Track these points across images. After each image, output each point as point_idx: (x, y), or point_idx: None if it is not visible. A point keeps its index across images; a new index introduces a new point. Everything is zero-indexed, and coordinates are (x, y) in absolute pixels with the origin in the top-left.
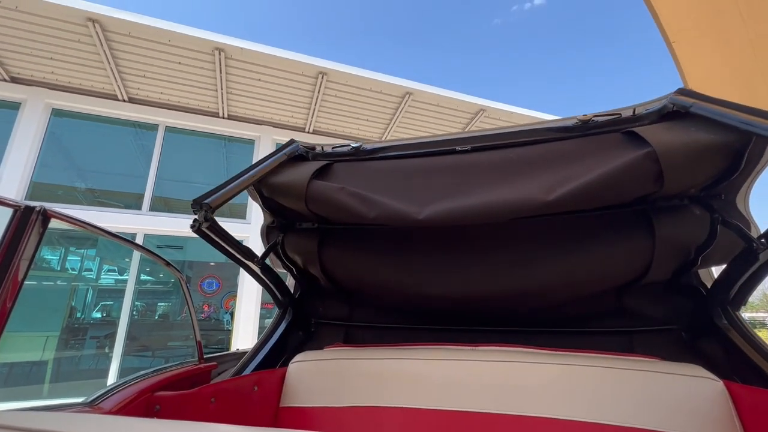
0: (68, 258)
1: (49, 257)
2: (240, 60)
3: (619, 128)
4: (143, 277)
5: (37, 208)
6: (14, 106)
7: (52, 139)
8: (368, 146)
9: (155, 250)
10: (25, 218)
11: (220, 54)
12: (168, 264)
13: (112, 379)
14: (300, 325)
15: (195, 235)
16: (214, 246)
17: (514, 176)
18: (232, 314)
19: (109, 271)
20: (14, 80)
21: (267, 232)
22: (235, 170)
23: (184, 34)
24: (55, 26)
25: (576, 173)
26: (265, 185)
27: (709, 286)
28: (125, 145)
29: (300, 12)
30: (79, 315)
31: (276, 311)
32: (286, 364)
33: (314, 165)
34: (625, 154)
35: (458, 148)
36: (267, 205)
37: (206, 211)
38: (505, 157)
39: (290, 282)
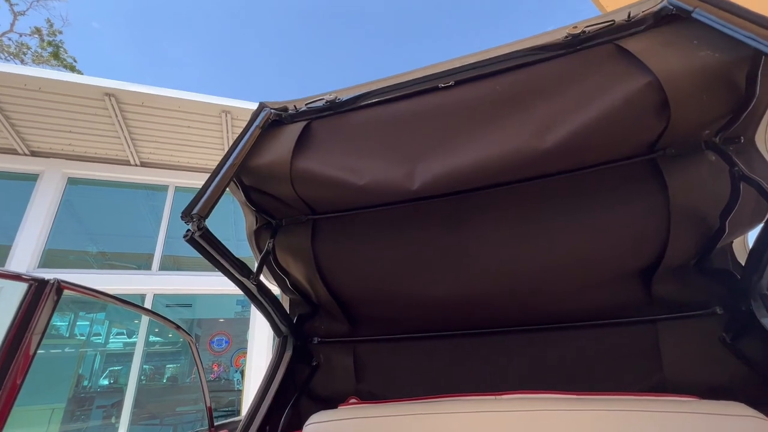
0: (77, 323)
1: (59, 323)
2: (244, 119)
3: (614, 38)
4: (152, 338)
5: (51, 281)
6: (32, 178)
7: (66, 207)
8: (344, 96)
9: (164, 311)
10: (39, 292)
11: (226, 116)
12: (178, 327)
13: None
14: (303, 351)
15: (203, 293)
16: (208, 258)
17: (503, 116)
18: (242, 372)
19: (117, 334)
20: (33, 154)
21: (256, 238)
22: (243, 221)
23: (193, 100)
24: (74, 102)
25: (570, 106)
26: (245, 173)
27: (743, 262)
28: (136, 207)
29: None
30: (86, 383)
31: (275, 342)
32: (297, 403)
33: (292, 132)
34: (625, 81)
35: (441, 84)
36: (250, 198)
37: (198, 221)
38: (491, 91)
39: (284, 300)
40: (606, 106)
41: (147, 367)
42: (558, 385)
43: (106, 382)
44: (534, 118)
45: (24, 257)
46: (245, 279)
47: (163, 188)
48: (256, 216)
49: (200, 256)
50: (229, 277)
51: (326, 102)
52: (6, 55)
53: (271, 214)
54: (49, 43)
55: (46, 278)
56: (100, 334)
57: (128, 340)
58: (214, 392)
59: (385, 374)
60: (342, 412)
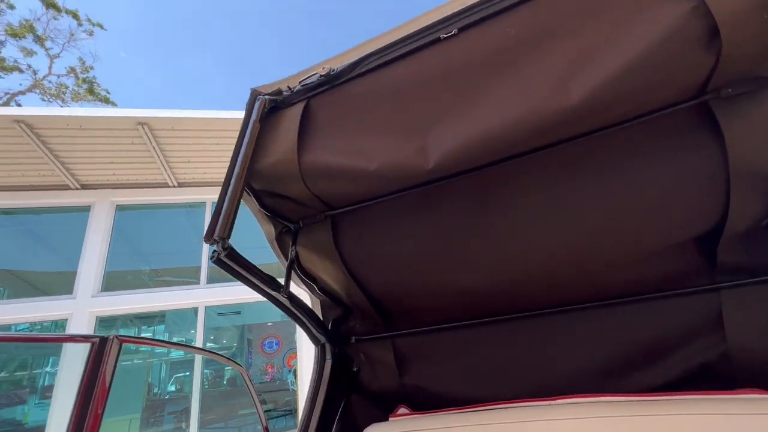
0: (143, 335)
1: (143, 334)
2: None
3: None
4: (208, 344)
5: (110, 338)
6: (86, 209)
7: (118, 231)
8: (338, 66)
9: (217, 320)
10: (102, 348)
11: None
12: (229, 360)
13: None
14: (342, 355)
15: (252, 300)
16: (237, 277)
17: (518, 67)
18: (295, 372)
19: (180, 341)
20: (84, 187)
21: (279, 247)
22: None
23: (217, 118)
24: (112, 134)
25: (598, 46)
26: (253, 177)
27: None
28: (179, 224)
29: None
30: (156, 391)
31: (315, 351)
32: (346, 409)
33: (292, 119)
34: (662, 8)
35: (442, 35)
36: (264, 204)
37: (221, 242)
38: (502, 35)
39: (315, 305)
40: (641, 43)
41: (207, 371)
42: (612, 366)
43: (173, 389)
44: (556, 65)
45: (88, 282)
46: (276, 293)
47: (201, 205)
48: (273, 222)
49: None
50: (259, 293)
51: (321, 76)
52: (48, 97)
53: (288, 218)
54: (84, 80)
55: (106, 336)
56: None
57: None
58: (270, 393)
59: (427, 366)
60: (394, 425)
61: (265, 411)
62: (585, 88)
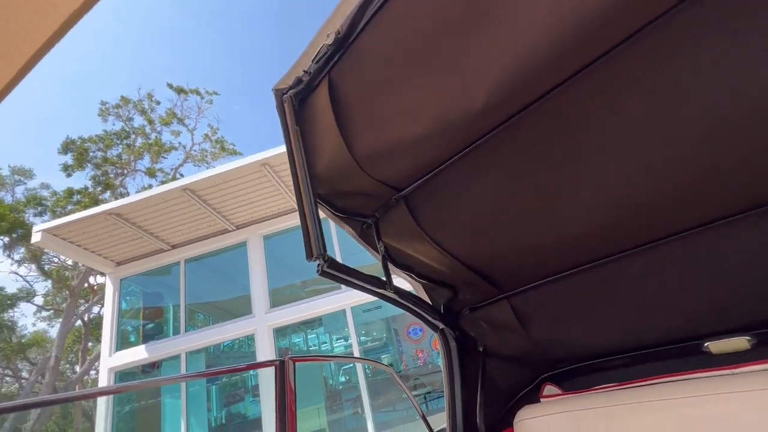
0: (308, 337)
1: (297, 340)
2: None
3: None
4: (362, 338)
5: (286, 360)
6: (243, 244)
7: (270, 257)
8: (344, 23)
9: (363, 316)
10: (282, 370)
11: None
12: (377, 362)
13: None
14: (464, 333)
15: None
16: (343, 283)
17: None
18: None
19: (338, 339)
20: (238, 227)
21: (368, 244)
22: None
23: None
24: (245, 179)
25: None
26: (316, 184)
27: None
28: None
29: None
30: (331, 383)
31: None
32: (485, 387)
33: (322, 107)
34: None
35: None
36: (337, 207)
37: (320, 257)
38: None
39: (419, 290)
40: None
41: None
42: (747, 288)
43: (343, 380)
44: None
45: (260, 301)
46: (382, 290)
47: (325, 220)
48: (351, 223)
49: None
50: (368, 293)
51: (329, 46)
52: (197, 162)
53: (363, 213)
54: (216, 141)
55: (282, 359)
56: (326, 342)
57: (346, 343)
58: (426, 375)
59: (552, 321)
60: (549, 406)
61: (426, 393)
62: None
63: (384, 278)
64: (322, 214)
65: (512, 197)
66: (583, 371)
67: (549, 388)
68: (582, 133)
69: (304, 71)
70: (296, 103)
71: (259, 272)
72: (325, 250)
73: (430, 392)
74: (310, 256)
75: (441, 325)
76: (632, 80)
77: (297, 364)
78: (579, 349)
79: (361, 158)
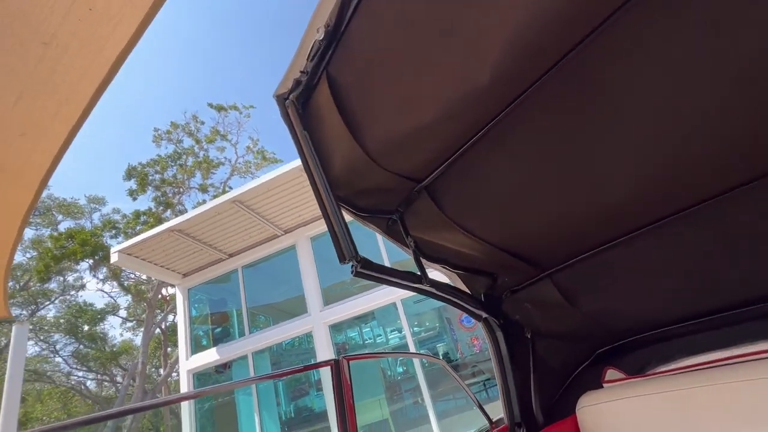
0: (363, 331)
1: (352, 335)
2: None
3: None
4: (415, 329)
5: (340, 360)
6: (293, 247)
7: (318, 257)
8: (331, 14)
9: (415, 307)
10: (337, 369)
11: None
12: (428, 356)
13: (434, 424)
14: (508, 319)
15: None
16: (379, 282)
17: None
18: None
19: (392, 331)
20: (286, 231)
21: (397, 241)
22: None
23: None
24: (288, 185)
25: None
26: (335, 187)
27: None
28: (359, 237)
29: None
30: (389, 374)
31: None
32: (538, 367)
33: (325, 106)
34: None
35: None
36: (360, 207)
37: (352, 259)
38: None
39: (456, 281)
40: None
41: (422, 351)
42: None
43: (401, 370)
44: None
45: (314, 300)
46: (419, 284)
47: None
48: (377, 222)
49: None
50: (405, 289)
51: (322, 40)
52: (242, 174)
53: (387, 210)
54: (257, 152)
55: (337, 359)
56: (380, 335)
57: (400, 334)
58: (483, 362)
59: (597, 294)
60: (613, 391)
61: (485, 380)
62: None
63: (419, 272)
64: (347, 216)
65: (537, 173)
66: (641, 344)
67: (611, 373)
68: (602, 99)
69: (300, 72)
70: (299, 106)
71: (310, 272)
72: (356, 252)
73: (489, 379)
74: (342, 259)
75: (484, 314)
76: (648, 44)
77: (351, 362)
78: (632, 321)
79: (375, 153)
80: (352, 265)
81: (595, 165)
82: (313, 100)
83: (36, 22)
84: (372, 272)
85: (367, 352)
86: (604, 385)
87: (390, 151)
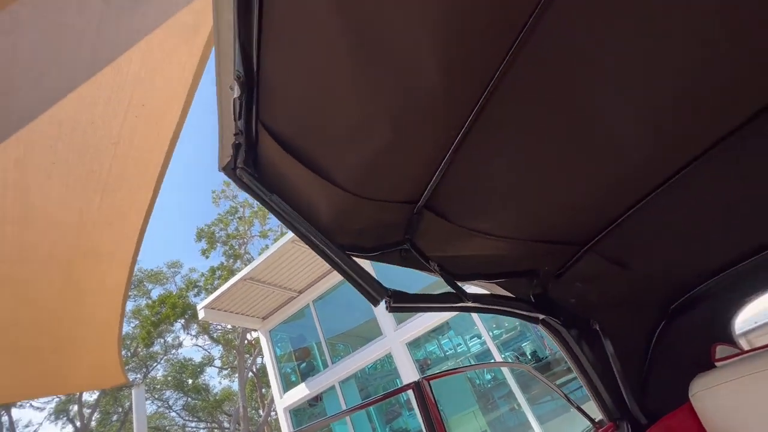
0: (441, 343)
1: (431, 349)
2: None
3: None
4: (494, 332)
5: (421, 381)
6: None
7: (382, 277)
8: (241, 70)
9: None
10: (420, 391)
11: None
12: (512, 363)
13: (537, 430)
14: (566, 311)
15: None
16: (416, 311)
17: None
18: None
19: (471, 338)
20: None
21: (420, 269)
22: None
23: None
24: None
25: None
26: (334, 236)
27: None
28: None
29: None
30: (477, 383)
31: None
32: (617, 352)
33: (275, 155)
34: None
35: None
36: (367, 249)
37: (383, 299)
38: None
39: (497, 290)
40: None
41: (507, 354)
42: None
43: (489, 377)
44: None
45: (386, 321)
46: (462, 303)
47: None
48: (392, 256)
49: None
50: (449, 311)
51: (240, 95)
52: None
53: (395, 241)
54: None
55: (417, 381)
56: (461, 344)
57: (480, 340)
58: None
59: (644, 249)
60: (726, 371)
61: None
62: None
63: (454, 291)
64: (360, 261)
65: (537, 156)
66: (713, 290)
67: (722, 349)
68: (581, 67)
69: (234, 135)
70: (252, 170)
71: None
72: (384, 288)
73: None
74: (375, 302)
75: (540, 315)
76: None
77: (432, 381)
78: (692, 269)
79: (354, 186)
80: (386, 302)
81: (595, 133)
82: (262, 158)
83: (104, 128)
84: (407, 304)
85: (448, 365)
86: (716, 364)
87: (369, 180)
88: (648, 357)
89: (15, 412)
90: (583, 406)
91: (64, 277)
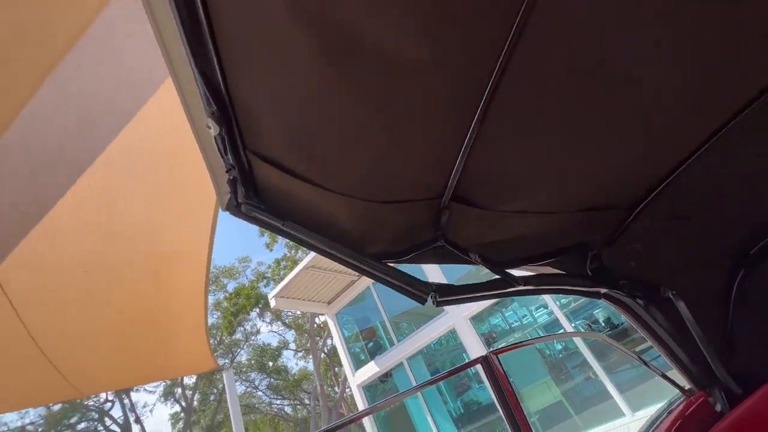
0: (506, 316)
1: (496, 322)
2: None
3: None
4: (561, 301)
5: (488, 355)
6: None
7: None
8: (213, 104)
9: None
10: (489, 366)
11: None
12: (583, 333)
13: (618, 399)
14: (628, 279)
15: None
16: (465, 302)
17: None
18: None
19: (538, 308)
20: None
21: (453, 261)
22: None
23: None
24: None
25: None
26: (364, 248)
27: None
28: None
29: None
30: (548, 353)
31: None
32: (696, 315)
33: (277, 182)
34: None
35: None
36: (400, 253)
37: (429, 297)
38: None
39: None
40: None
41: (578, 323)
42: None
43: (559, 347)
44: None
45: None
46: (512, 288)
47: None
48: (425, 256)
49: None
50: (498, 298)
51: (221, 132)
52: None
53: (427, 240)
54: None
55: (485, 355)
56: (526, 315)
57: (546, 310)
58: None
59: (705, 202)
60: None
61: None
62: None
63: (503, 277)
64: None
65: (567, 121)
66: None
67: None
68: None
69: (226, 171)
70: (256, 202)
71: (434, 270)
72: (427, 285)
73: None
74: (422, 301)
75: (601, 289)
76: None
77: (501, 355)
78: (763, 215)
79: (371, 194)
80: (432, 298)
81: (627, 91)
82: (264, 187)
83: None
84: (454, 296)
85: (515, 337)
86: None
87: (384, 183)
88: (730, 314)
89: (133, 396)
90: (667, 374)
91: (157, 281)
